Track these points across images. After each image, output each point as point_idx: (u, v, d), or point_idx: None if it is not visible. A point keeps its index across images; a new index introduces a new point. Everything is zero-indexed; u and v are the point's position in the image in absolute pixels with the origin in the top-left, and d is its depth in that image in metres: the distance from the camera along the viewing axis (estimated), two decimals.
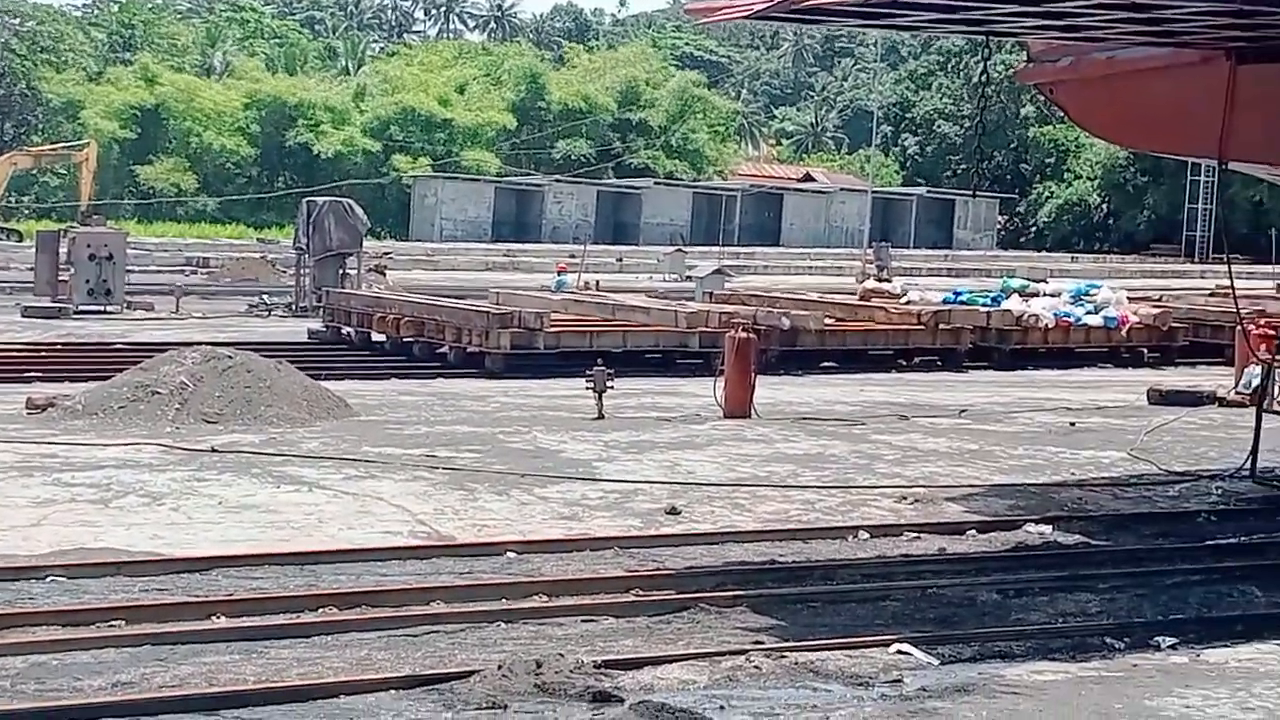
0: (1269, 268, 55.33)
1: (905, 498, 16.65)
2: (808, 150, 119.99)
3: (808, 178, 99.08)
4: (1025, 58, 19.68)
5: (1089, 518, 16.07)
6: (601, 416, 21.55)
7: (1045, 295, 34.68)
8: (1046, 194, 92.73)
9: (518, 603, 11.97)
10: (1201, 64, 16.41)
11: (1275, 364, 21.65)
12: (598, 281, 43.38)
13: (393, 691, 9.67)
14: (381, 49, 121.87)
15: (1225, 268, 20.63)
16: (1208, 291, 41.20)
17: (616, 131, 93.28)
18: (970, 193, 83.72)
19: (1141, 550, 14.66)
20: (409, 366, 28.81)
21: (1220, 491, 17.65)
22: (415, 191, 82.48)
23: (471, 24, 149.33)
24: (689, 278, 47.32)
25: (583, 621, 11.62)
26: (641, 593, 12.38)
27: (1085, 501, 16.98)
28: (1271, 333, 24.73)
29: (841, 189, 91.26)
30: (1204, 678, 10.15)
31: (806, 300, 34.15)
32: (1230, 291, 23.26)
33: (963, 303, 33.41)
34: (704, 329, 28.85)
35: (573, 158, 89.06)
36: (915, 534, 15.01)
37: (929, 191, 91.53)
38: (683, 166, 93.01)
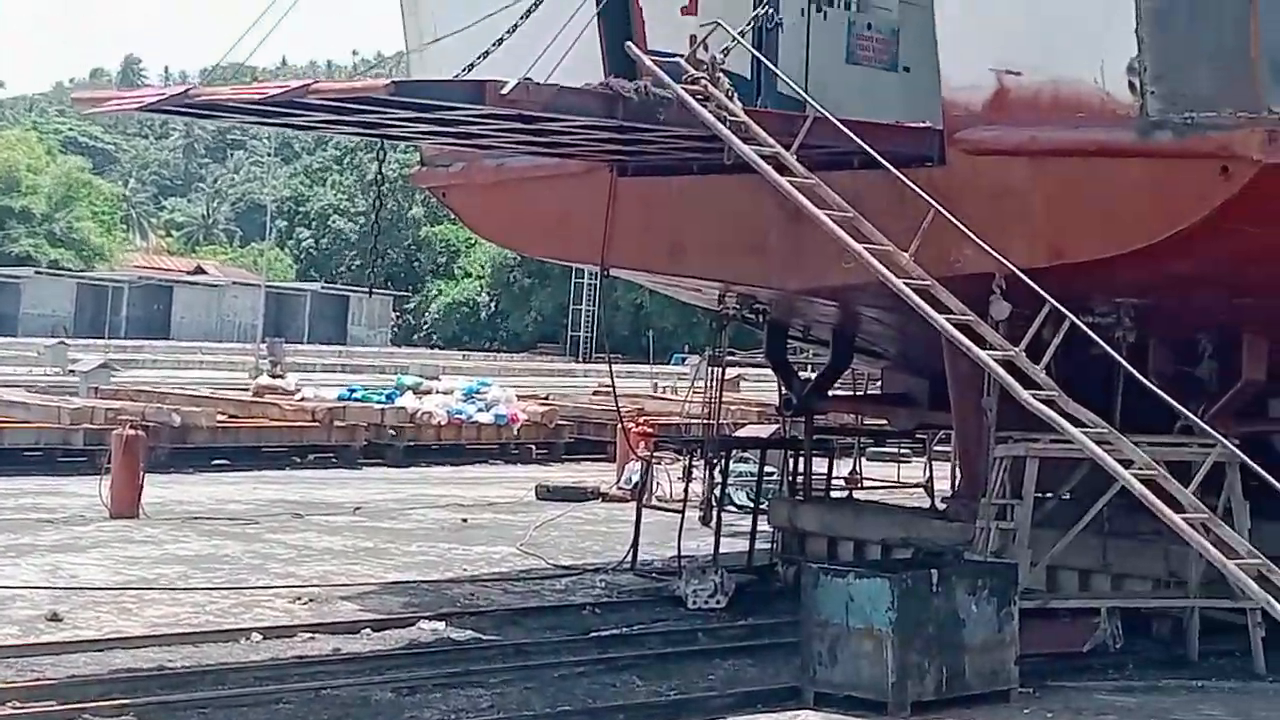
0: (648, 368, 58.10)
1: (300, 598, 16.50)
2: (199, 242, 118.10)
3: (199, 270, 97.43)
4: (419, 159, 20.09)
5: (481, 613, 16.36)
6: None
7: (438, 393, 35.23)
8: (436, 292, 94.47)
9: None
10: (585, 174, 17.20)
11: (653, 461, 22.78)
12: None
13: None
14: None
15: (607, 367, 21.57)
16: (591, 390, 42.85)
17: None
18: (366, 290, 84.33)
19: (530, 644, 15.03)
20: None
21: (604, 584, 18.34)
22: None
23: None
24: (72, 372, 45.50)
25: None
26: (19, 705, 11.75)
27: (477, 597, 17.29)
28: (650, 431, 26.03)
29: (234, 283, 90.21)
30: None
31: (198, 396, 33.47)
32: (612, 390, 24.32)
33: (358, 400, 33.52)
34: (89, 425, 27.78)
35: None
36: (310, 634, 14.88)
37: (324, 287, 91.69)
38: (68, 255, 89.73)
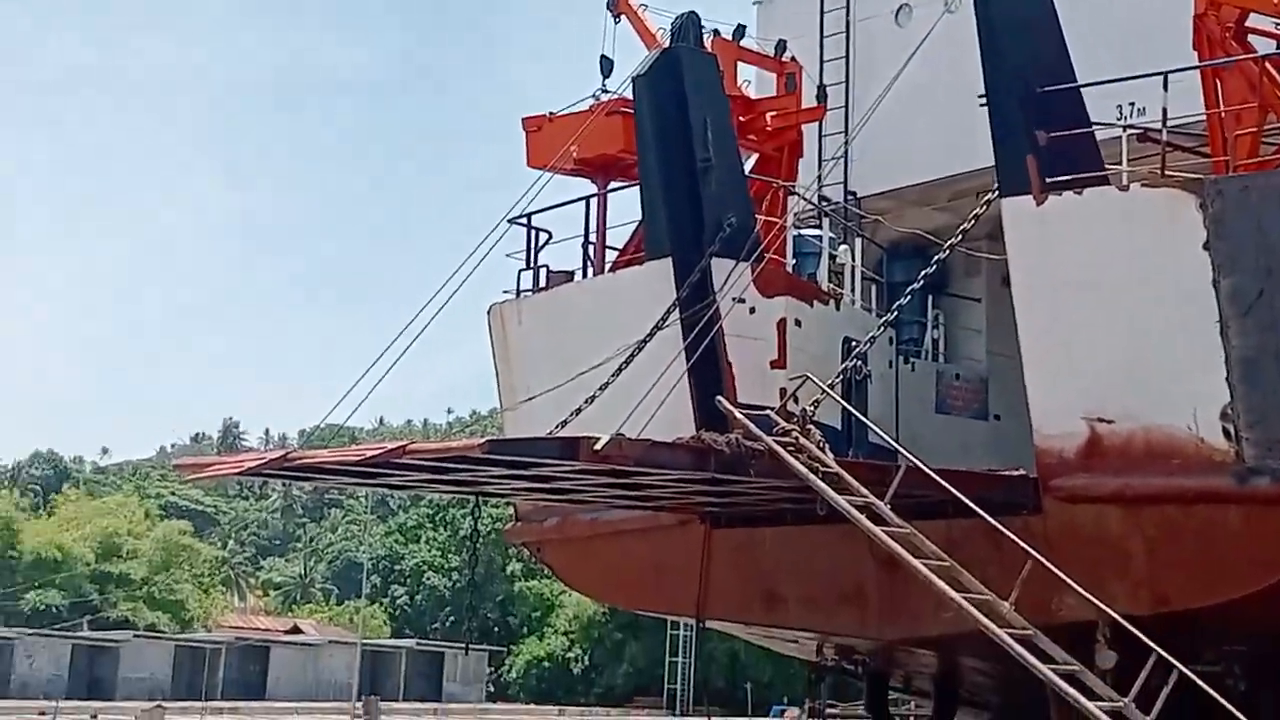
0: None
1: None
2: (296, 601, 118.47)
3: (295, 629, 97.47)
4: (513, 514, 20.21)
5: None
6: None
7: None
8: (529, 647, 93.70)
9: None
10: (679, 527, 17.20)
11: None
12: None
13: None
14: None
15: None
16: None
17: (95, 583, 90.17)
18: (462, 647, 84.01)
19: None
20: None
21: None
22: None
23: None
24: None
25: None
26: None
27: None
28: None
29: (330, 641, 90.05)
30: None
31: None
32: None
33: None
34: None
35: (42, 609, 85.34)
36: None
37: (419, 644, 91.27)
38: (165, 618, 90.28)
